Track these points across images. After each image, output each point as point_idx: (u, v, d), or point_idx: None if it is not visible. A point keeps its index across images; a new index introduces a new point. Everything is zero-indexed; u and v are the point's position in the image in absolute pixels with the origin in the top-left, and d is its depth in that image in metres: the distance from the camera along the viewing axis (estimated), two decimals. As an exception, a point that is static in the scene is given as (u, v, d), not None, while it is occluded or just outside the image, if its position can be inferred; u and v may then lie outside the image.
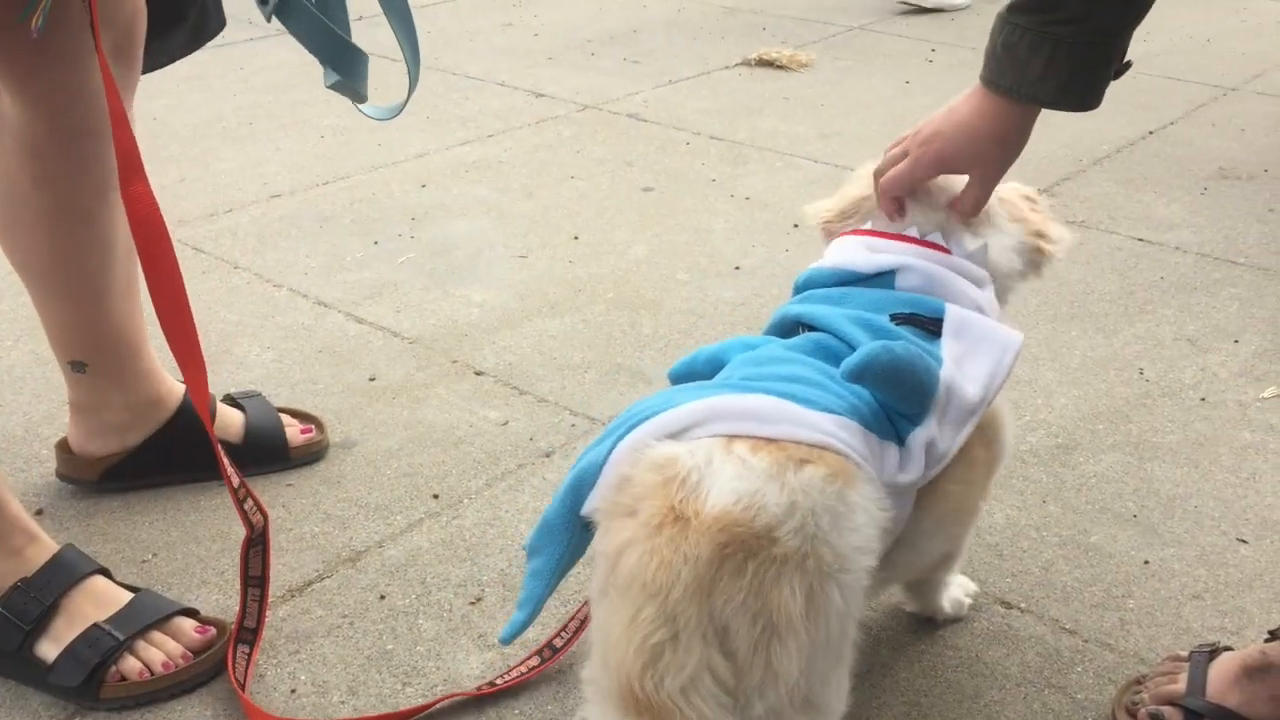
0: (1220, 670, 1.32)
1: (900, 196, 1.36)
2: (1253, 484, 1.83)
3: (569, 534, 1.11)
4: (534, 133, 3.45)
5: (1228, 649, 1.36)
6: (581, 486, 1.10)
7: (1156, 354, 2.21)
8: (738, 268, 2.59)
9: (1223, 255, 2.59)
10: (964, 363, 1.21)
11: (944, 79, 3.87)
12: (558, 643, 1.48)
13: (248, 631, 1.51)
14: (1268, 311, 2.34)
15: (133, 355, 1.76)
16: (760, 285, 2.50)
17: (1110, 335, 2.28)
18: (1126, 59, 1.25)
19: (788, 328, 1.29)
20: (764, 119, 3.55)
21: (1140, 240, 2.68)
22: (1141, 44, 4.13)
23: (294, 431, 1.92)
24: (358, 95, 1.49)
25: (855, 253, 1.33)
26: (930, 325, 1.24)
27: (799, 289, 1.34)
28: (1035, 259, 1.39)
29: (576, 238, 2.75)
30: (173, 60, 1.71)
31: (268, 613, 1.55)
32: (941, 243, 1.33)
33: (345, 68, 1.42)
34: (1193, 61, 3.90)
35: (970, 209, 1.33)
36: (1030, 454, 1.91)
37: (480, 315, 2.39)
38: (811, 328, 1.25)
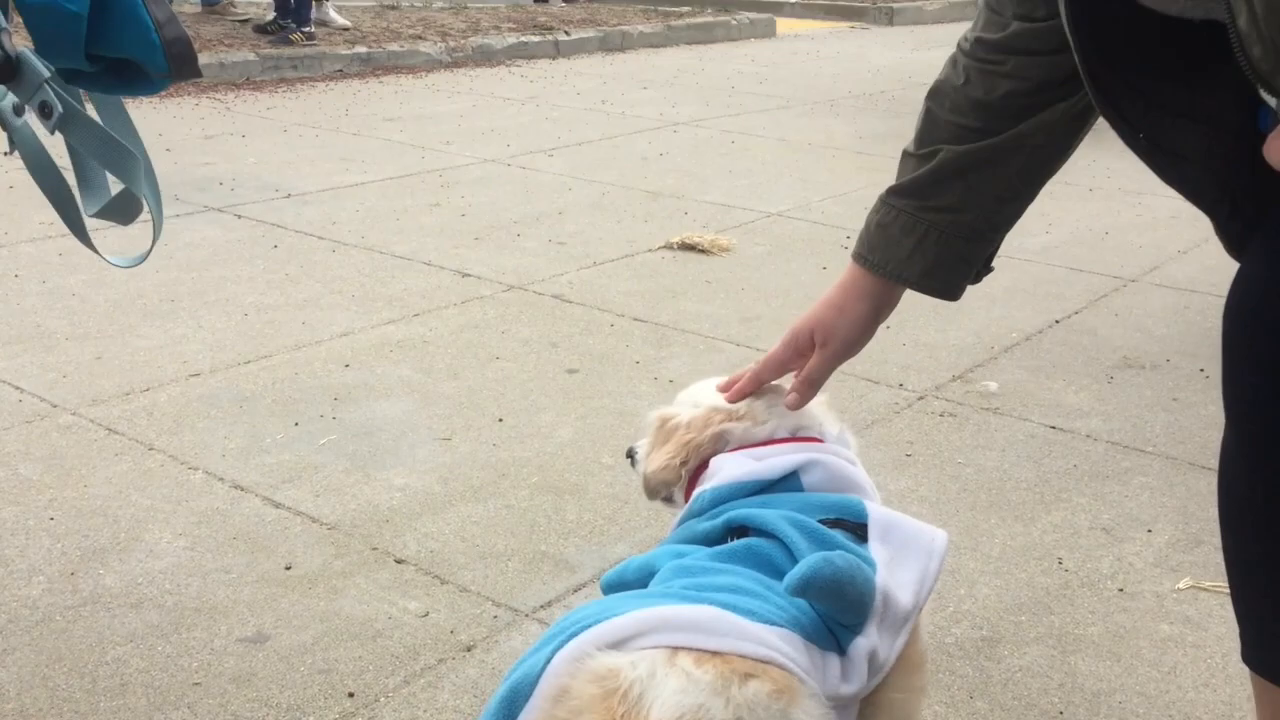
0: None
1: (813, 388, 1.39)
2: (1174, 679, 1.84)
3: (502, 748, 1.07)
4: (460, 312, 3.47)
5: None
6: (516, 699, 1.06)
7: (1074, 543, 2.24)
8: (662, 452, 2.60)
9: (1131, 444, 2.67)
10: (894, 568, 1.22)
11: (859, 265, 4.01)
12: None
13: None
14: (1178, 501, 2.40)
15: None
16: (685, 470, 2.51)
17: (1029, 524, 2.32)
18: (990, 265, 1.31)
19: (715, 537, 1.28)
20: (687, 302, 3.63)
21: (1053, 428, 2.76)
22: (1045, 235, 4.34)
23: None
24: (125, 216, 1.45)
25: (749, 464, 1.35)
26: (856, 529, 1.26)
27: (710, 506, 1.34)
28: None
29: (501, 420, 2.74)
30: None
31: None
32: (816, 435, 1.37)
33: (124, 170, 1.38)
34: (1093, 253, 4.10)
35: (809, 389, 1.36)
36: (956, 647, 1.91)
37: (402, 500, 2.35)
38: (743, 532, 1.25)
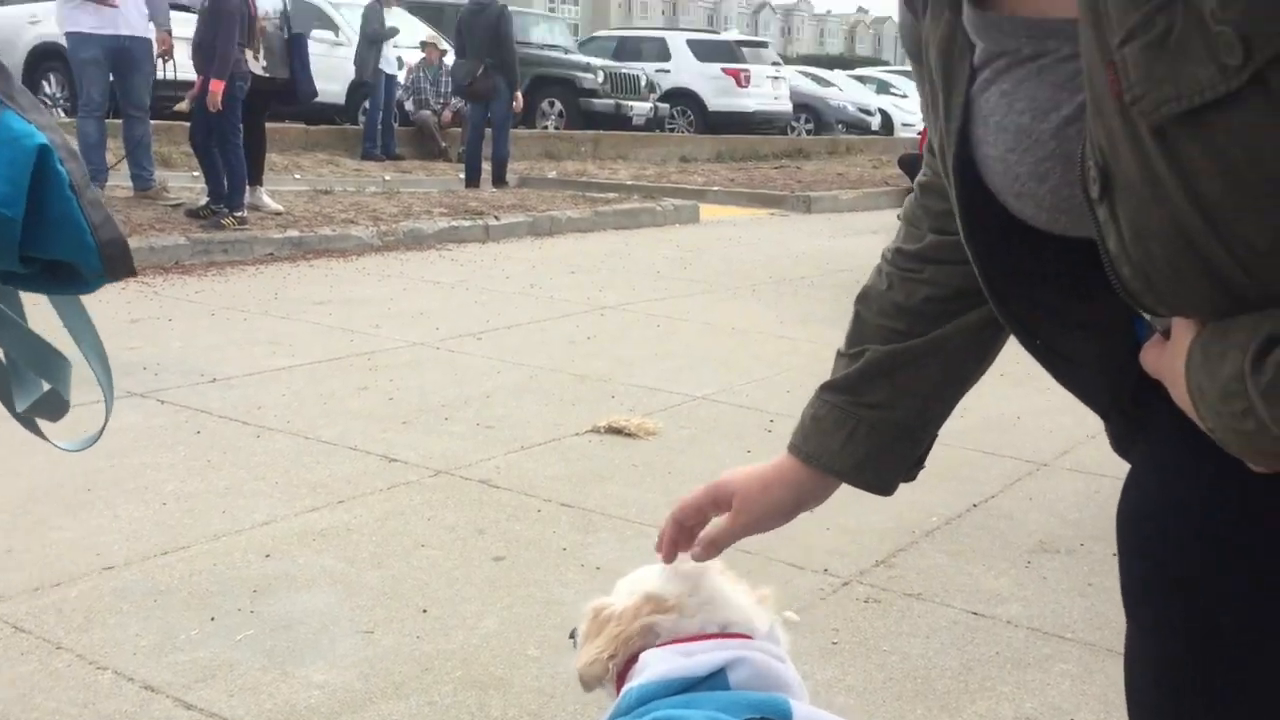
0: None
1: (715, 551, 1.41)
2: None
3: None
4: (385, 499, 3.45)
5: None
6: None
7: (999, 733, 2.25)
8: (588, 643, 2.57)
9: (1051, 630, 2.71)
10: None
11: (782, 446, 4.07)
12: None
13: None
14: (1098, 688, 2.43)
15: None
16: (611, 662, 2.48)
17: (954, 714, 2.32)
18: (923, 462, 1.37)
19: None
20: (614, 486, 3.65)
21: (974, 614, 2.79)
22: (958, 419, 4.45)
23: None
24: (54, 413, 1.45)
25: (677, 661, 1.36)
26: None
27: (637, 704, 1.34)
28: None
29: (425, 611, 2.70)
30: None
31: None
32: (745, 631, 1.38)
33: (53, 374, 1.39)
34: (1006, 437, 4.22)
35: (710, 550, 1.38)
36: (886, 847, 1.88)
37: (321, 699, 2.29)
38: None
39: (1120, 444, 1.10)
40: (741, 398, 4.77)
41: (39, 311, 1.27)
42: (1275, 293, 0.73)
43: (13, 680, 2.32)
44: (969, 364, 1.32)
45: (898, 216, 1.33)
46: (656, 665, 1.37)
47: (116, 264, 1.40)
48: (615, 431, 4.23)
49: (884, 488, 1.36)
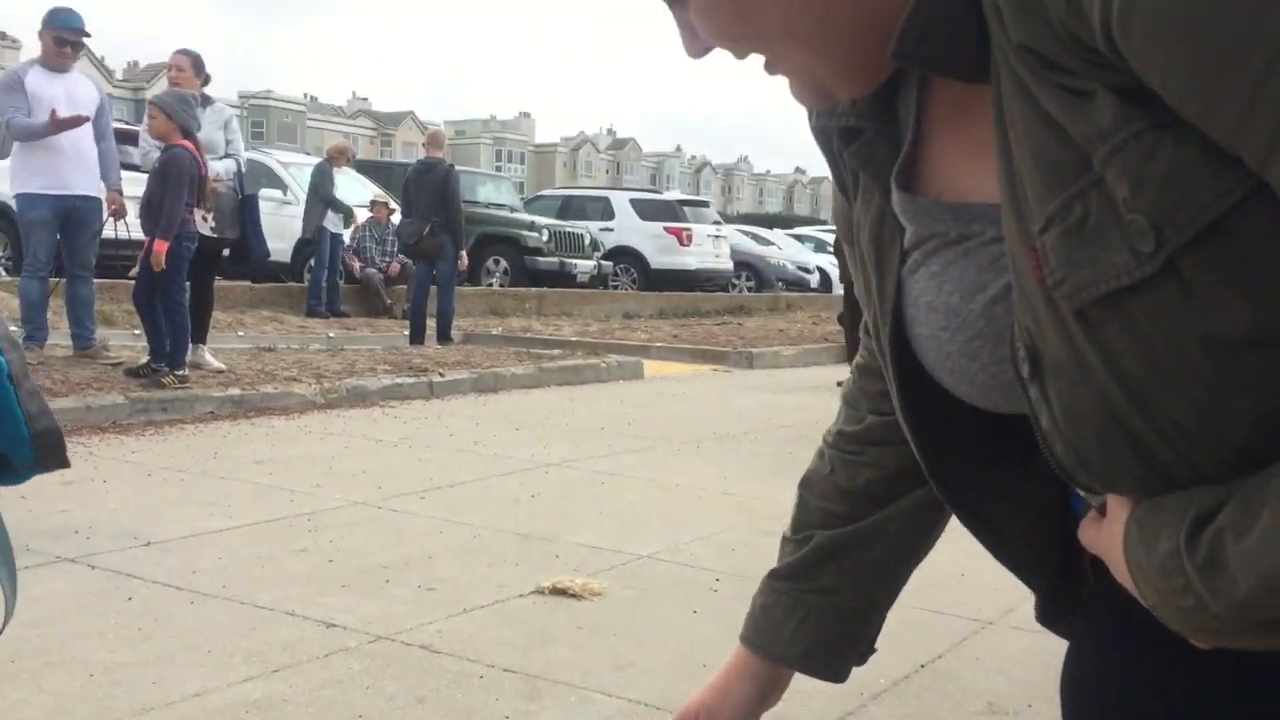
0: None
1: None
2: None
3: None
4: (323, 667, 3.36)
5: None
6: None
7: None
8: (532, 819, 2.49)
9: (1003, 795, 2.67)
10: None
11: (728, 608, 4.04)
12: None
13: None
14: None
15: None
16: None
17: None
18: (874, 645, 1.37)
19: None
20: (558, 649, 3.58)
21: (925, 779, 2.75)
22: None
23: None
24: None
25: None
26: None
27: None
28: None
29: (362, 787, 2.61)
30: None
31: None
32: None
33: None
34: (952, 595, 4.22)
35: None
36: None
37: None
38: None
39: (1046, 616, 1.12)
40: (686, 556, 4.75)
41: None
42: (1204, 471, 0.75)
43: None
44: (913, 544, 1.34)
45: (842, 397, 1.36)
46: None
47: (49, 456, 1.38)
48: (560, 592, 4.18)
49: (835, 675, 1.35)
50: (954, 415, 0.98)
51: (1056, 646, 3.30)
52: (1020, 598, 4.27)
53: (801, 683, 3.46)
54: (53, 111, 8.03)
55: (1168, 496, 0.77)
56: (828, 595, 1.32)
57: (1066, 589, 1.07)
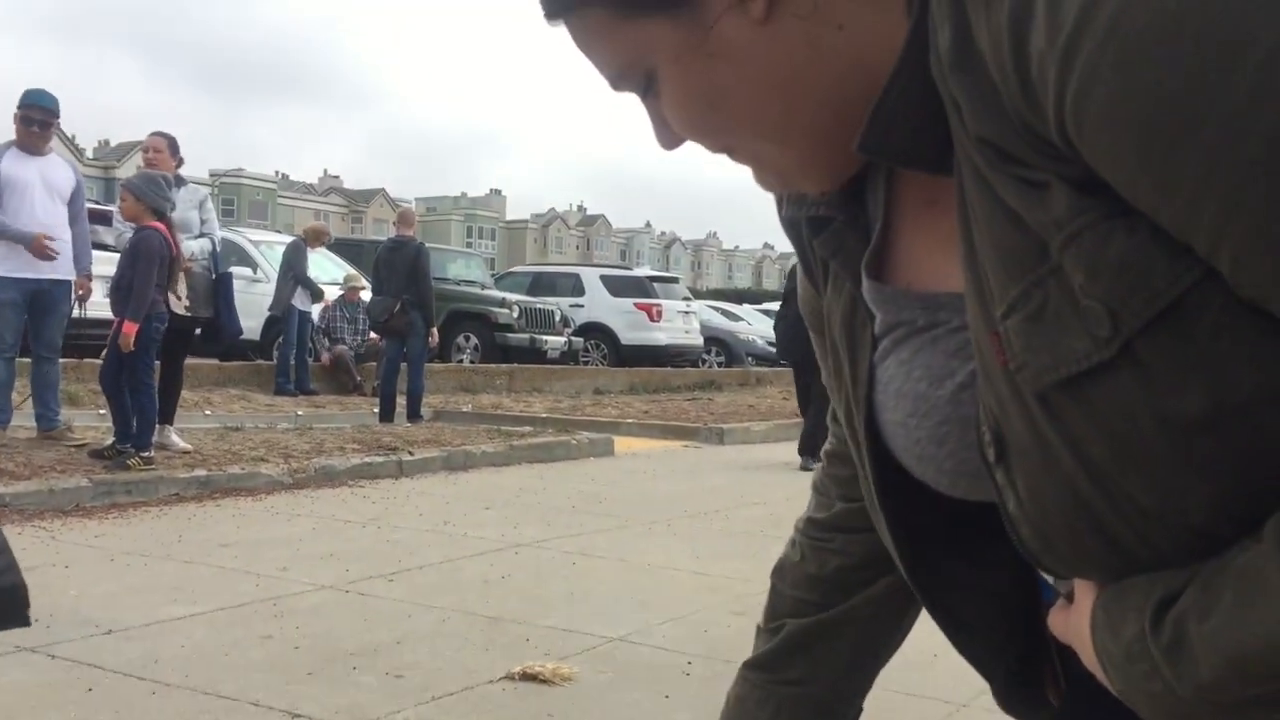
0: None
1: None
2: None
3: None
4: (287, 760, 3.29)
5: None
6: None
7: None
8: None
9: None
10: None
11: (700, 690, 3.99)
12: None
13: None
14: None
15: None
16: None
17: None
18: None
19: None
20: (528, 738, 3.52)
21: None
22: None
23: None
24: None
25: None
26: None
27: None
28: None
29: None
30: None
31: None
32: None
33: None
34: (924, 676, 4.19)
35: None
36: None
37: None
38: None
39: (1008, 703, 1.12)
40: (658, 638, 4.70)
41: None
42: (1166, 554, 0.75)
43: None
44: (883, 634, 1.33)
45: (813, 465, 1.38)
46: None
47: (11, 612, 1.38)
48: (530, 678, 4.12)
49: None
50: (923, 504, 0.98)
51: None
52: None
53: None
54: (39, 237, 8.04)
55: (1132, 580, 0.77)
56: (799, 687, 1.32)
57: (1028, 678, 1.07)
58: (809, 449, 9.75)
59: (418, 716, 3.69)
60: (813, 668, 1.32)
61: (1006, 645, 1.08)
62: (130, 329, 7.59)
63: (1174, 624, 0.73)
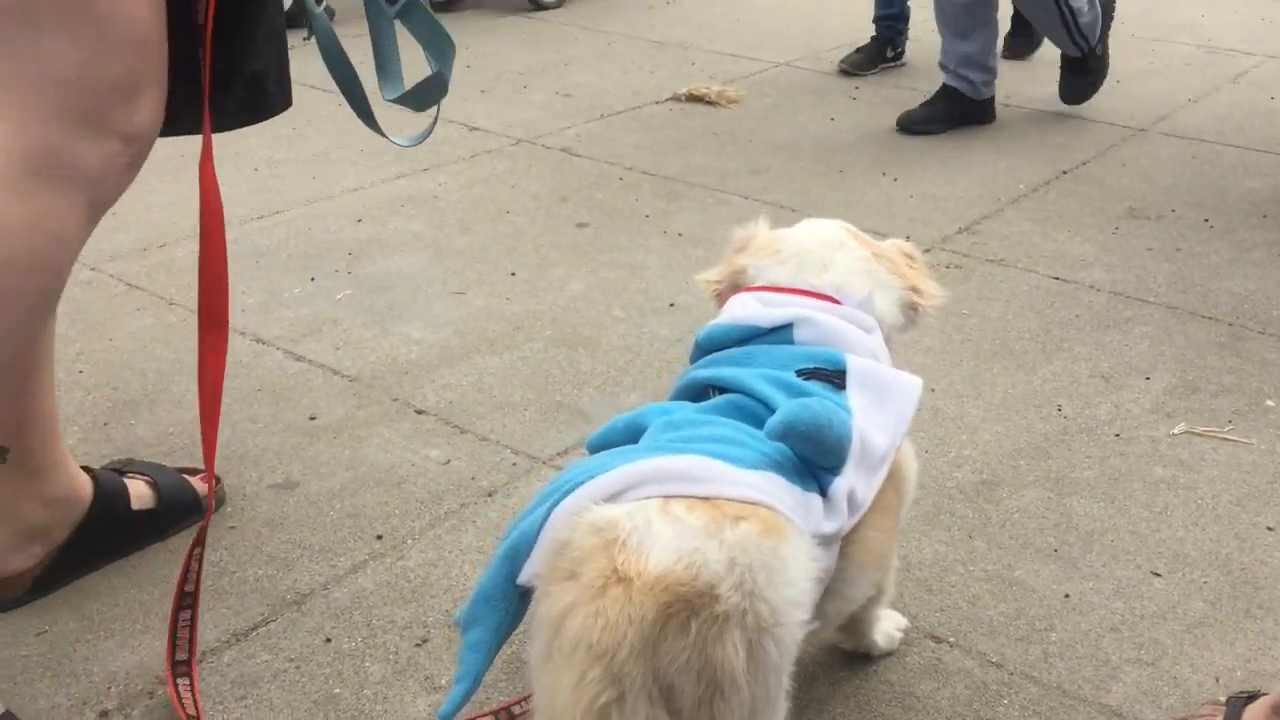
0: (1253, 714, 1.38)
1: None
2: (1165, 518, 1.92)
3: (507, 603, 1.14)
4: (469, 166, 3.48)
5: (1262, 694, 1.42)
6: (517, 555, 1.13)
7: (1073, 391, 2.31)
8: (672, 305, 2.65)
9: (1134, 294, 2.71)
10: (870, 412, 1.28)
11: (867, 115, 3.97)
12: (516, 710, 1.47)
13: (181, 665, 1.51)
14: (1176, 349, 2.46)
15: (53, 440, 1.64)
16: (695, 322, 2.56)
17: (1030, 372, 2.38)
18: None
19: (697, 391, 1.34)
20: (695, 154, 3.62)
21: (1056, 279, 2.79)
22: (1054, 85, 4.22)
23: (197, 483, 1.88)
24: (431, 98, 1.62)
25: (753, 308, 1.40)
26: (835, 378, 1.30)
27: (701, 346, 1.40)
28: (911, 312, 1.48)
29: (514, 274, 2.78)
30: (222, 129, 1.58)
31: (197, 647, 1.56)
32: (832, 294, 1.41)
33: (445, 59, 1.60)
34: (1105, 102, 4.06)
35: None
36: (957, 490, 1.99)
37: (420, 353, 2.41)
38: (722, 390, 1.31)
39: None
40: (825, 64, 4.61)
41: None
42: None
43: (134, 333, 2.47)
44: None
45: None
46: (736, 309, 1.41)
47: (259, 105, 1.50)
48: (696, 99, 4.15)
49: None
50: None
51: (1207, 154, 3.20)
52: (1177, 105, 4.08)
53: (938, 187, 3.43)
54: None
55: None
56: None
57: None
58: None
59: (587, 132, 3.80)
60: None
61: None
62: None
63: None
